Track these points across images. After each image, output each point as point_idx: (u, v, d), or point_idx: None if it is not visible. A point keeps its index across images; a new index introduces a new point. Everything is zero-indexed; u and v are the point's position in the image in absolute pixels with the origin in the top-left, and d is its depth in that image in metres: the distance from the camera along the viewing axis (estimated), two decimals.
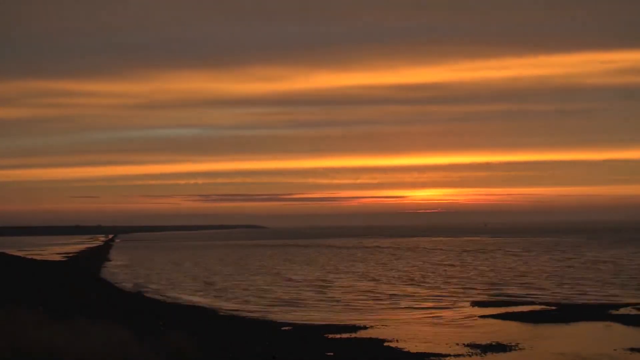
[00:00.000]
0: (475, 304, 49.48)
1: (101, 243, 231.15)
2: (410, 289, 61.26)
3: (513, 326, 38.87)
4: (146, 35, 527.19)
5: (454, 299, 53.31)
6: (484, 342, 33.12)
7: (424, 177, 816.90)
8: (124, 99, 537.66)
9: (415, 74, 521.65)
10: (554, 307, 46.47)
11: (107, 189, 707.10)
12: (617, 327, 38.12)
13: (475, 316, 43.26)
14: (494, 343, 32.98)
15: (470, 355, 30.24)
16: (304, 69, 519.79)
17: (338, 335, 35.54)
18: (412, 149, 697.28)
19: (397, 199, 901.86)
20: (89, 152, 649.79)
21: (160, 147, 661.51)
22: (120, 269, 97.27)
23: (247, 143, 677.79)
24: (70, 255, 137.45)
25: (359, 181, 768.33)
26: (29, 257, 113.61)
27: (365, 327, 38.84)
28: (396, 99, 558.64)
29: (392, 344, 32.97)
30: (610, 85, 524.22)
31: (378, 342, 33.40)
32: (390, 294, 57.46)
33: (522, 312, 44.18)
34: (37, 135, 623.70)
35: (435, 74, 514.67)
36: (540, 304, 48.90)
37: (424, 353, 30.76)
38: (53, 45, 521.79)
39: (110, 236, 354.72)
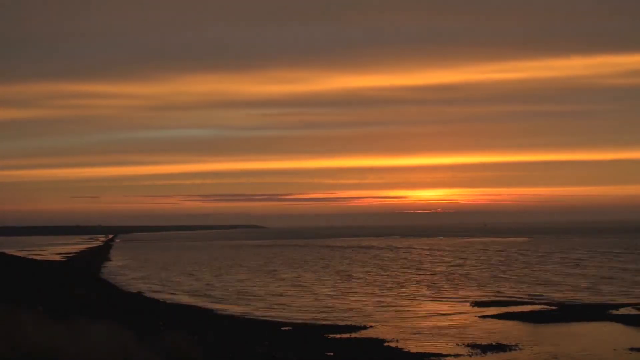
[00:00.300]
0: (475, 304, 49.45)
1: (101, 243, 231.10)
2: (409, 289, 61.22)
3: (513, 326, 38.86)
4: (164, 38, 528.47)
5: (455, 299, 53.31)
6: (484, 342, 33.12)
7: (426, 177, 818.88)
8: (134, 100, 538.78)
9: (424, 76, 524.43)
10: (554, 307, 46.44)
11: (108, 189, 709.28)
12: (617, 327, 38.11)
13: (475, 316, 43.26)
14: (494, 343, 32.98)
15: (470, 355, 30.25)
16: (320, 71, 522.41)
17: (338, 335, 35.54)
18: (414, 150, 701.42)
19: (398, 199, 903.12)
20: (91, 153, 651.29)
21: (164, 148, 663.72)
22: (120, 269, 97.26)
23: (252, 144, 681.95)
24: (70, 255, 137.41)
25: (359, 181, 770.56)
26: (29, 257, 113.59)
27: (365, 327, 38.84)
28: (406, 100, 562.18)
29: (392, 344, 32.96)
30: (621, 87, 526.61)
31: (378, 342, 33.40)
32: (390, 294, 57.44)
33: (522, 312, 44.15)
34: (38, 136, 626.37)
35: (443, 76, 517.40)
36: (540, 304, 48.88)
37: (424, 353, 30.77)
38: (66, 46, 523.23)
39: (110, 236, 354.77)
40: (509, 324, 39.76)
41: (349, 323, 40.53)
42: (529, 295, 54.51)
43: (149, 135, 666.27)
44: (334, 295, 57.76)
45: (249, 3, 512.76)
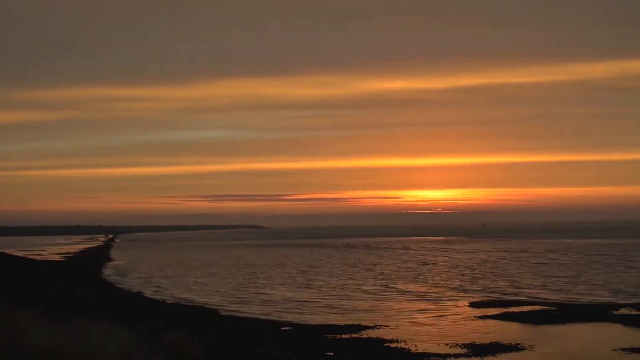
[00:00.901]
0: (474, 304, 49.45)
1: (101, 243, 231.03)
2: (409, 290, 61.23)
3: (513, 326, 38.87)
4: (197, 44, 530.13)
5: (454, 299, 53.32)
6: (484, 342, 33.12)
7: (425, 177, 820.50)
8: (141, 103, 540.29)
9: (429, 79, 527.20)
10: (554, 307, 46.43)
11: (109, 189, 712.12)
12: (617, 327, 38.11)
13: (475, 316, 43.27)
14: (494, 343, 32.98)
15: (470, 355, 30.25)
16: (337, 76, 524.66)
17: (338, 335, 35.54)
18: (414, 151, 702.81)
19: (396, 199, 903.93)
20: (93, 154, 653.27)
21: (166, 149, 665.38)
22: (120, 269, 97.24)
23: (254, 145, 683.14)
24: (70, 255, 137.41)
25: (360, 181, 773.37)
26: (29, 257, 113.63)
27: (365, 327, 38.84)
28: (408, 102, 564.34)
29: (392, 344, 32.97)
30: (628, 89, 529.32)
31: (378, 342, 33.40)
32: (390, 295, 57.46)
33: (522, 312, 44.14)
34: (40, 138, 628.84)
35: (449, 80, 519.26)
36: (540, 304, 48.88)
37: (424, 353, 30.77)
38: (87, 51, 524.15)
39: (110, 236, 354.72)
40: (509, 324, 39.75)
41: (349, 323, 40.53)
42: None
43: (151, 137, 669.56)
44: (333, 294, 57.72)
45: (281, 9, 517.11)
